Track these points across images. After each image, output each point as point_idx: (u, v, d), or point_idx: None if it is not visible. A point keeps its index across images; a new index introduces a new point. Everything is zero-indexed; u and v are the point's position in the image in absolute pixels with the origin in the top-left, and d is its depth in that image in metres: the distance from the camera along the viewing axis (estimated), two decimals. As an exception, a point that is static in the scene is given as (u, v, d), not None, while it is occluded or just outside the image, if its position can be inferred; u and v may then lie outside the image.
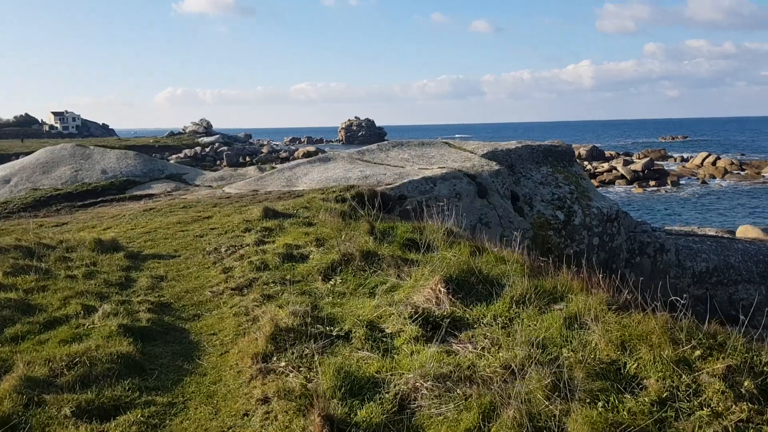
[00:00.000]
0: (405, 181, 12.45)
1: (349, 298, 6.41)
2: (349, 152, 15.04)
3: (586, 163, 75.10)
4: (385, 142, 15.46)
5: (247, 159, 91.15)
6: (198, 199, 12.43)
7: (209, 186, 13.86)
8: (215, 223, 10.17)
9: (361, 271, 7.03)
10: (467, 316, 5.54)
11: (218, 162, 79.76)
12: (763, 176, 72.51)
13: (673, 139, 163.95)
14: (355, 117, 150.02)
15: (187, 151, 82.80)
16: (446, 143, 15.45)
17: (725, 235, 18.17)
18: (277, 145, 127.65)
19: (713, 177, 71.32)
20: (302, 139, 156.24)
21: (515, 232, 12.90)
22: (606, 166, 72.61)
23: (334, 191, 12.03)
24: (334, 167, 13.73)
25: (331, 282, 6.87)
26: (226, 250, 8.48)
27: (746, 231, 29.54)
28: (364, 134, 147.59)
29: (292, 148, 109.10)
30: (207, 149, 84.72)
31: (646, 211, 48.68)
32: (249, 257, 7.95)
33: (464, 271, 6.09)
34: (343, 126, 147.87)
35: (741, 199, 54.15)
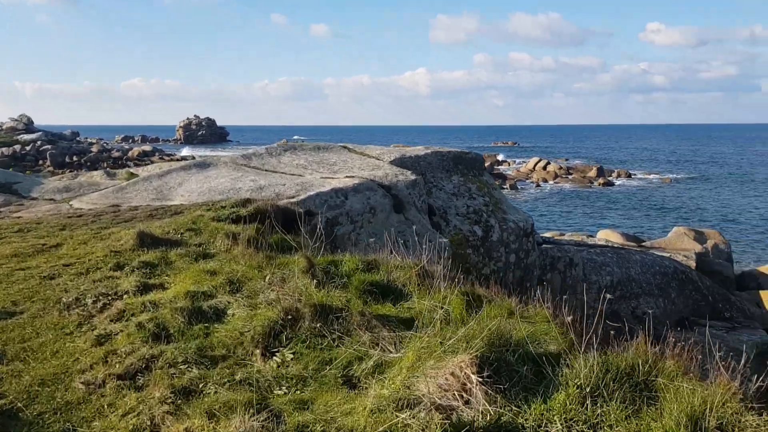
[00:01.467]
0: (311, 193, 10.24)
1: (316, 388, 4.19)
2: (231, 156, 12.51)
3: None
4: (275, 145, 13.11)
5: (75, 159, 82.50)
6: (39, 218, 9.30)
7: (51, 199, 10.65)
8: (69, 256, 7.32)
9: (318, 337, 4.82)
10: (521, 421, 3.61)
11: (41, 162, 71.18)
12: (590, 180, 78.14)
13: (504, 144, 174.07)
14: (195, 116, 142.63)
15: (4, 149, 73.10)
16: (345, 147, 13.42)
17: (624, 246, 17.87)
18: (107, 143, 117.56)
19: (545, 181, 75.80)
20: (136, 138, 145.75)
21: (434, 253, 11.19)
22: None
23: (224, 207, 9.54)
24: (217, 175, 11.17)
25: (276, 358, 4.58)
26: (94, 302, 5.79)
27: (608, 235, 30.44)
28: (204, 134, 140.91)
29: (126, 147, 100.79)
30: (28, 147, 75.37)
31: None
32: (134, 315, 5.40)
33: (495, 344, 4.14)
34: (182, 125, 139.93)
35: (575, 201, 57.46)
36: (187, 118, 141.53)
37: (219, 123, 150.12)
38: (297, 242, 7.29)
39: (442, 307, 5.10)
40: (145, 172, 12.69)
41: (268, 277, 5.99)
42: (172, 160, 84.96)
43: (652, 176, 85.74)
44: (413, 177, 11.36)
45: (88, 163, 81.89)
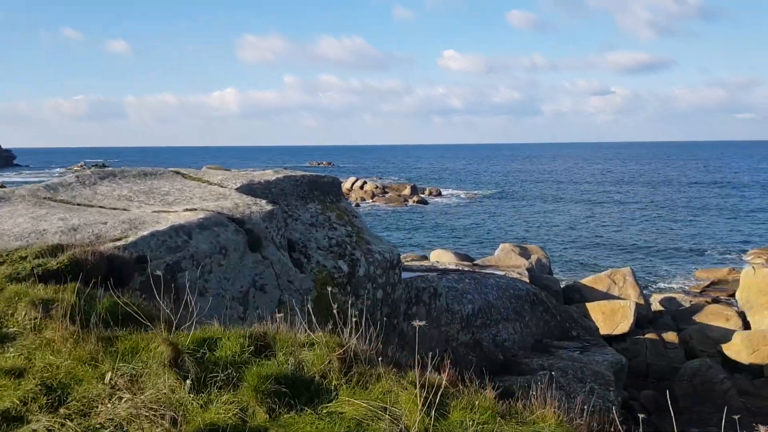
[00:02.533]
0: (144, 233, 8.06)
1: None
2: (30, 188, 9.76)
3: None
4: (87, 172, 10.54)
5: None
6: None
7: None
8: None
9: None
10: None
11: None
12: (405, 198, 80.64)
13: (318, 164, 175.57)
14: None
15: None
16: (177, 173, 11.21)
17: (493, 272, 17.35)
18: None
19: (363, 200, 76.91)
20: None
21: (295, 296, 9.49)
22: None
23: (24, 258, 7.08)
24: (12, 214, 8.49)
25: None
26: None
27: (440, 255, 30.47)
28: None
29: None
30: None
31: None
32: None
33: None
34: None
35: (395, 220, 58.46)
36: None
37: (5, 145, 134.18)
38: (143, 308, 5.26)
39: (387, 410, 3.53)
40: None
41: (108, 377, 4.00)
42: (-56, 187, 73.38)
43: (459, 192, 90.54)
44: (269, 207, 9.57)
45: None
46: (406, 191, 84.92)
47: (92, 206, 9.25)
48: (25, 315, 5.31)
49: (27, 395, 3.85)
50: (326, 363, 3.99)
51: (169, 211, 9.16)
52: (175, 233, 8.30)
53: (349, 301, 10.61)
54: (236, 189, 10.58)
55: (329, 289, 10.23)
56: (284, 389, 3.73)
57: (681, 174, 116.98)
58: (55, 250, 7.40)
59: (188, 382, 3.77)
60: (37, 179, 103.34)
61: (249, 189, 10.69)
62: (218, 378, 3.94)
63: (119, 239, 8.01)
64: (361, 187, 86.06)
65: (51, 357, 4.38)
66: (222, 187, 10.60)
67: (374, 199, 78.73)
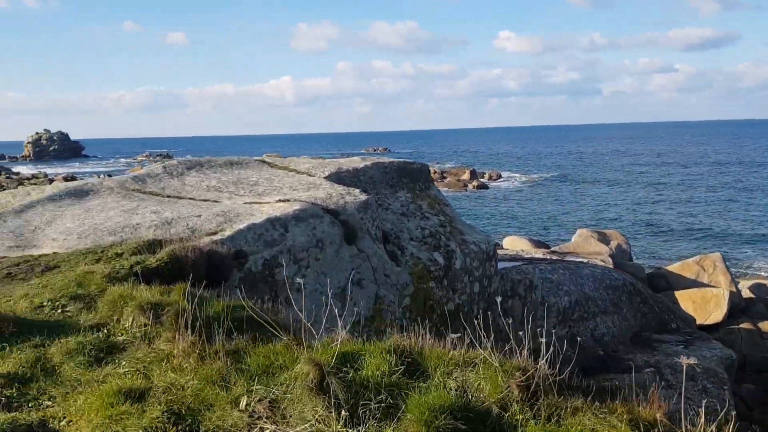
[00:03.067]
0: (241, 226, 7.55)
1: None
2: (119, 179, 9.40)
3: None
4: (174, 162, 10.13)
5: None
6: None
7: None
8: None
9: None
10: None
11: None
12: (465, 183, 79.34)
13: (374, 150, 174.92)
14: (45, 130, 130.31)
15: None
16: (263, 162, 10.71)
17: (574, 259, 16.40)
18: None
19: None
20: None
21: (391, 291, 8.86)
22: None
23: (120, 255, 6.66)
24: (103, 207, 8.13)
25: None
26: None
27: (514, 242, 29.43)
28: (56, 149, 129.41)
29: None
30: None
31: None
32: None
33: None
34: (30, 140, 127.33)
35: (456, 205, 57.23)
36: (36, 133, 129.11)
37: (72, 137, 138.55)
38: (263, 311, 4.67)
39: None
40: None
41: (244, 402, 3.41)
42: (23, 179, 76.11)
43: (519, 175, 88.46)
44: (363, 197, 8.93)
45: None
46: (465, 176, 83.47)
47: (182, 198, 8.81)
48: (132, 321, 4.82)
49: (153, 425, 3.30)
50: (504, 391, 3.30)
51: (260, 202, 8.63)
52: (271, 226, 7.76)
53: (445, 296, 9.95)
54: (325, 177, 9.99)
55: (429, 283, 9.59)
56: (462, 425, 3.05)
57: (753, 153, 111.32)
58: (152, 245, 6.95)
59: (343, 413, 3.15)
60: (104, 169, 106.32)
61: (338, 177, 10.08)
62: (371, 406, 3.31)
63: (215, 233, 7.52)
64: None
65: (172, 375, 3.84)
66: (310, 175, 10.03)
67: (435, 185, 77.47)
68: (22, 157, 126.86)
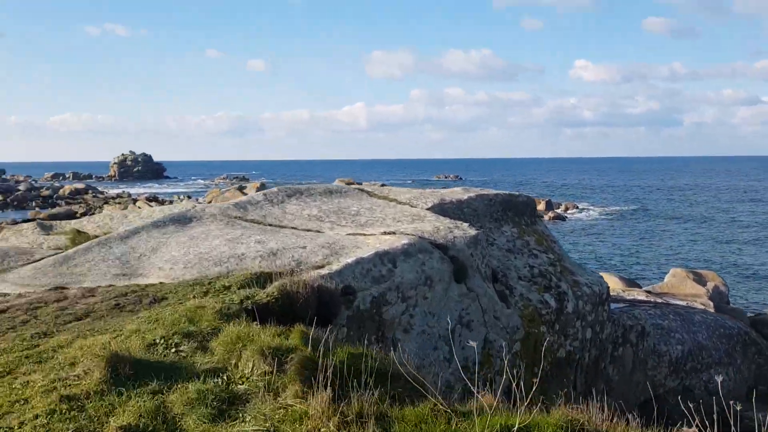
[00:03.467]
0: (349, 261, 7.11)
1: None
2: (220, 207, 9.19)
3: None
4: (274, 190, 9.87)
5: (0, 197, 76.50)
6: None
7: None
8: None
9: None
10: None
11: (-39, 202, 65.36)
12: (540, 215, 77.40)
13: (446, 177, 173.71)
14: (130, 151, 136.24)
15: None
16: (361, 190, 10.33)
17: (679, 303, 15.27)
18: (35, 181, 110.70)
19: None
20: (67, 175, 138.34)
21: (501, 334, 8.20)
22: None
23: (228, 288, 6.32)
24: (206, 234, 7.88)
25: None
26: None
27: (606, 279, 28.05)
28: (140, 170, 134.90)
29: (56, 185, 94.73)
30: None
31: None
32: None
33: None
34: (116, 161, 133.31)
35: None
36: (122, 154, 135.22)
37: (155, 158, 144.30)
38: (402, 365, 4.15)
39: None
40: (96, 228, 9.31)
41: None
42: (107, 198, 79.44)
43: (598, 208, 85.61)
44: (473, 231, 8.35)
45: (15, 203, 75.67)
46: (541, 206, 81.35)
47: (284, 227, 8.48)
48: (253, 368, 4.40)
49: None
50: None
51: (364, 234, 8.19)
52: (380, 261, 7.28)
53: (557, 341, 9.19)
54: (428, 209, 9.49)
55: (540, 327, 8.88)
56: None
57: None
58: (260, 278, 6.58)
59: None
60: (183, 190, 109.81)
61: (441, 209, 9.56)
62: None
63: (321, 266, 7.10)
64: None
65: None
66: (412, 206, 9.54)
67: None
68: (108, 177, 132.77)
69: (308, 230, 8.40)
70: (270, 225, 8.53)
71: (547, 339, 8.93)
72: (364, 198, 9.91)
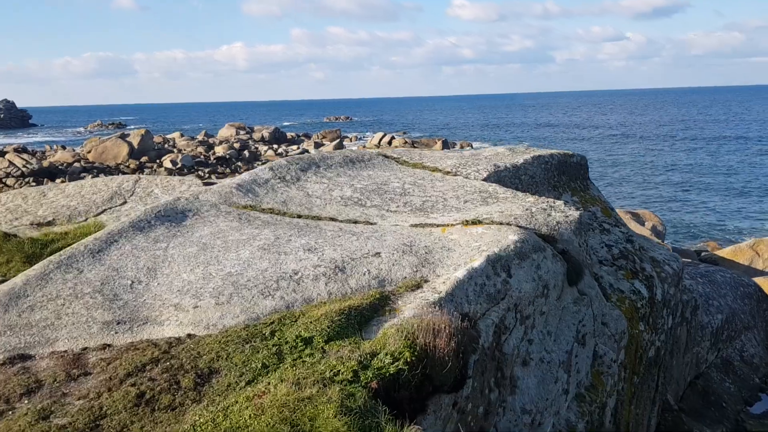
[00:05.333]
0: (459, 275, 4.82)
1: None
2: (219, 192, 6.31)
3: (269, 147, 71.33)
4: (282, 162, 7.13)
5: None
6: None
7: None
8: None
9: None
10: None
11: None
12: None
13: (336, 119, 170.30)
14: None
15: None
16: (385, 156, 7.84)
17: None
18: None
19: None
20: None
21: (608, 344, 6.33)
22: (299, 148, 70.56)
23: (307, 341, 3.89)
24: (222, 239, 5.22)
25: None
26: None
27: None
28: (2, 117, 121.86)
29: None
30: None
31: None
32: None
33: None
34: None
35: None
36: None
37: (18, 105, 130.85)
38: None
39: None
40: (10, 219, 6.39)
41: None
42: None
43: (491, 146, 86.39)
44: (574, 213, 6.25)
45: None
46: (437, 146, 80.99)
47: (319, 218, 5.98)
48: None
49: None
50: None
51: (436, 224, 5.89)
52: (492, 270, 5.05)
53: (649, 339, 7.44)
54: (483, 179, 7.28)
55: (639, 325, 7.06)
56: None
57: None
58: (349, 318, 4.18)
59: None
60: (56, 139, 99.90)
61: (497, 178, 7.38)
62: None
63: (417, 285, 4.78)
64: (389, 143, 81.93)
65: None
66: (466, 177, 7.28)
67: (407, 155, 74.58)
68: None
69: (354, 221, 5.97)
70: (299, 216, 5.99)
71: (645, 338, 7.14)
72: (396, 167, 7.51)
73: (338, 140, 77.65)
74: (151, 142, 62.86)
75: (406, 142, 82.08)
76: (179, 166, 56.76)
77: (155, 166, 56.79)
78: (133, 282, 4.72)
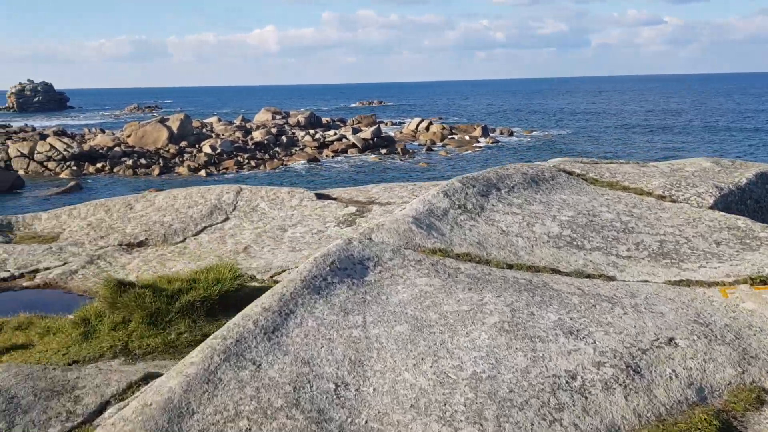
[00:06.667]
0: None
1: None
2: (395, 230, 4.74)
3: (306, 132, 70.10)
4: (456, 184, 5.39)
5: None
6: None
7: None
8: None
9: None
10: None
11: None
12: (478, 141, 75.14)
13: (369, 103, 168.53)
14: (28, 80, 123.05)
15: None
16: (569, 174, 6.20)
17: None
18: None
19: (434, 143, 71.39)
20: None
21: None
22: (336, 134, 69.26)
23: None
24: (441, 315, 3.58)
25: None
26: None
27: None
28: (40, 100, 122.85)
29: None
30: None
31: (401, 179, 44.45)
32: None
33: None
34: (14, 90, 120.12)
35: (481, 161, 53.56)
36: (20, 83, 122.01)
37: (55, 87, 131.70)
38: None
39: None
40: (178, 290, 4.84)
41: None
42: (10, 133, 70.01)
43: (529, 132, 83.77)
44: None
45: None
46: (476, 132, 78.88)
47: (534, 269, 4.36)
48: None
49: None
50: None
51: (704, 282, 4.25)
52: None
53: None
54: (710, 206, 5.61)
55: None
56: None
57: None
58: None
59: None
60: (93, 122, 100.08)
61: (724, 204, 5.71)
62: None
63: (759, 401, 3.18)
64: (427, 129, 79.94)
65: None
66: (688, 203, 5.62)
67: (443, 142, 72.85)
68: (6, 108, 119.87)
69: (587, 275, 4.34)
70: (510, 267, 4.38)
71: None
72: (589, 189, 5.85)
73: (375, 126, 76.10)
74: (189, 127, 62.01)
75: (444, 128, 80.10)
76: (218, 151, 55.78)
77: (195, 151, 55.91)
78: (337, 385, 3.17)
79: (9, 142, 57.35)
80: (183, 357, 4.14)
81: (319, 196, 7.88)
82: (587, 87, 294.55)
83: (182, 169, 50.83)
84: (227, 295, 4.60)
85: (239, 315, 3.57)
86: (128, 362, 3.85)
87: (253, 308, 3.62)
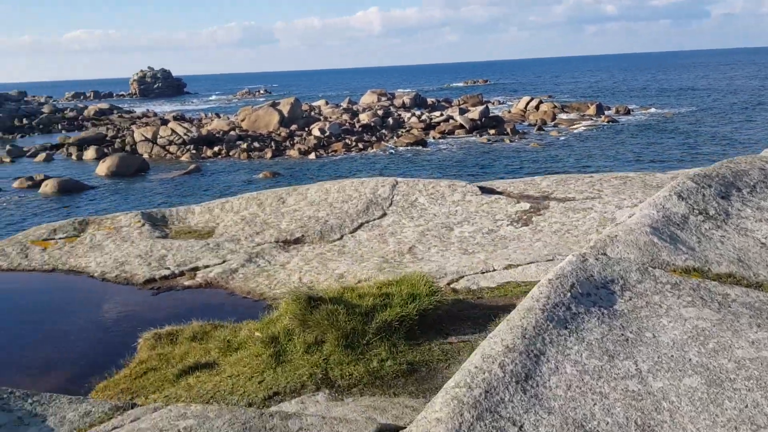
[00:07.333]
0: None
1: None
2: (634, 242, 3.99)
3: (411, 114, 69.07)
4: (689, 183, 4.52)
5: (25, 122, 71.74)
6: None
7: None
8: None
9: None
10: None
11: (-18, 129, 61.10)
12: (591, 117, 71.60)
13: (474, 83, 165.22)
14: (149, 67, 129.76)
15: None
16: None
17: None
18: (57, 102, 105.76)
19: (545, 122, 68.53)
20: (88, 94, 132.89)
21: None
22: (443, 115, 67.78)
23: None
24: (738, 365, 2.85)
25: None
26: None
27: None
28: (160, 86, 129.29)
29: (80, 105, 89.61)
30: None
31: (512, 161, 42.74)
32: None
33: None
34: (136, 78, 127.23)
35: (599, 141, 50.82)
36: (141, 71, 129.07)
37: (173, 73, 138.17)
38: None
39: None
40: (373, 306, 4.27)
41: None
42: (134, 118, 74.10)
43: (648, 110, 78.78)
44: None
45: (41, 126, 71.04)
46: (590, 111, 75.23)
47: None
48: None
49: None
50: None
51: None
52: None
53: None
54: None
55: None
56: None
57: None
58: None
59: None
60: (208, 106, 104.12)
61: None
62: None
63: None
64: (537, 108, 76.89)
65: None
66: None
67: (555, 121, 69.90)
68: (129, 94, 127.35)
69: None
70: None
71: None
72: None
73: (483, 106, 74.17)
74: (299, 111, 62.97)
75: (555, 107, 76.97)
76: (327, 134, 56.29)
77: (304, 134, 56.68)
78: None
79: (134, 127, 60.56)
80: (393, 391, 3.54)
81: (483, 190, 7.14)
82: (706, 60, 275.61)
83: (293, 152, 51.68)
84: (425, 314, 3.98)
85: (477, 354, 2.89)
86: (334, 397, 3.31)
87: (492, 347, 2.92)
